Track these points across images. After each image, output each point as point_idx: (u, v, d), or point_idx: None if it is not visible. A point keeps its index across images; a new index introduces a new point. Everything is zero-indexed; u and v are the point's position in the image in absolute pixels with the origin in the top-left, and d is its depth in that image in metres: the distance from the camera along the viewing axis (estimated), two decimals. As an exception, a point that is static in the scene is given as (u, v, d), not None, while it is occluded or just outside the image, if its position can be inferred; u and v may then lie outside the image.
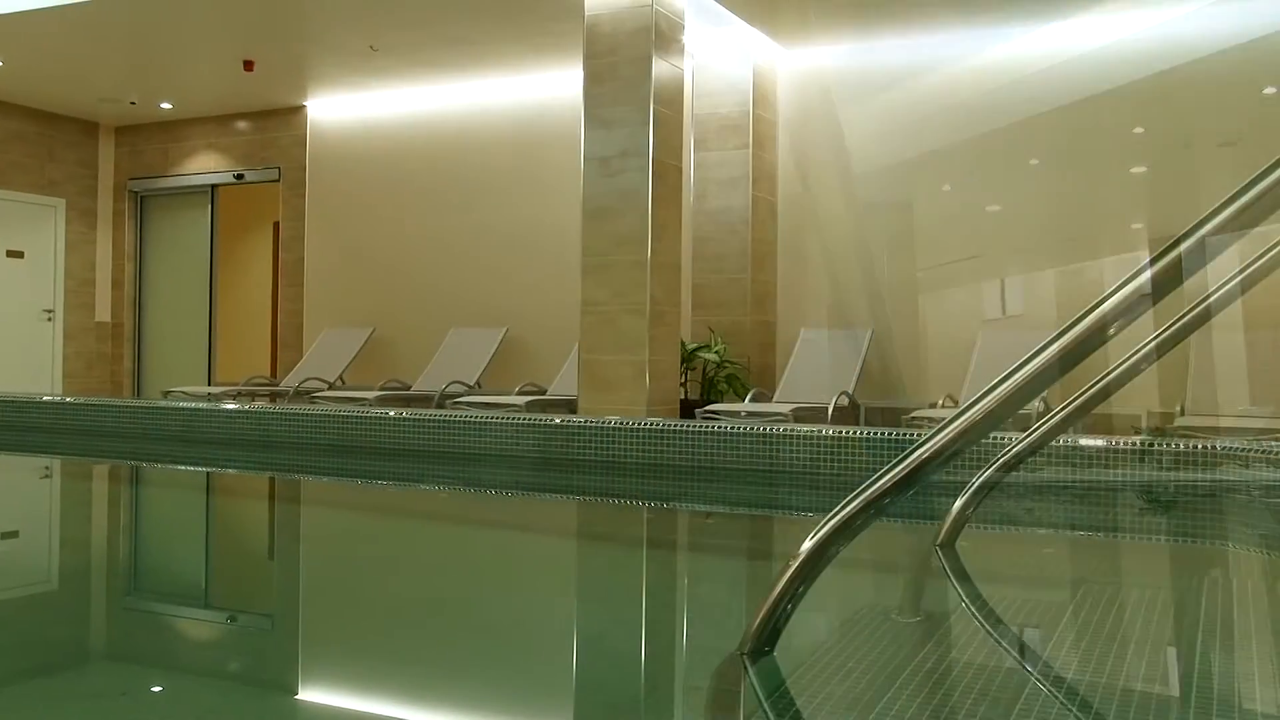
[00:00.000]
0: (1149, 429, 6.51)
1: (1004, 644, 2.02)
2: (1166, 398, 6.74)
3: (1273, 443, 3.51)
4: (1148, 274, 1.50)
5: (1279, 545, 3.10)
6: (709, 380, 7.62)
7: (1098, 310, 1.54)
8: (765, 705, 1.61)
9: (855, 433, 4.20)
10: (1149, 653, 1.87)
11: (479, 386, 8.68)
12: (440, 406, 8.10)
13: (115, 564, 2.95)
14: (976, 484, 2.59)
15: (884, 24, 7.52)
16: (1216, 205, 1.47)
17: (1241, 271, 2.46)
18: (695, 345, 7.62)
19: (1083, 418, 2.58)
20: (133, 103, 10.40)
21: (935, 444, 1.65)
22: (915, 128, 7.81)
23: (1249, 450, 3.49)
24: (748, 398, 7.21)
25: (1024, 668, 1.86)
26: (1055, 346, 1.56)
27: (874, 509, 1.65)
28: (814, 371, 7.56)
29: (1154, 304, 1.54)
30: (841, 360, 7.54)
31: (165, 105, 10.50)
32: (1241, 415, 6.15)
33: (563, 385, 8.07)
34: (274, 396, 9.43)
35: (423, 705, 1.70)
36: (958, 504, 2.61)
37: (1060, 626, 2.09)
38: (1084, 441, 3.79)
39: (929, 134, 7.76)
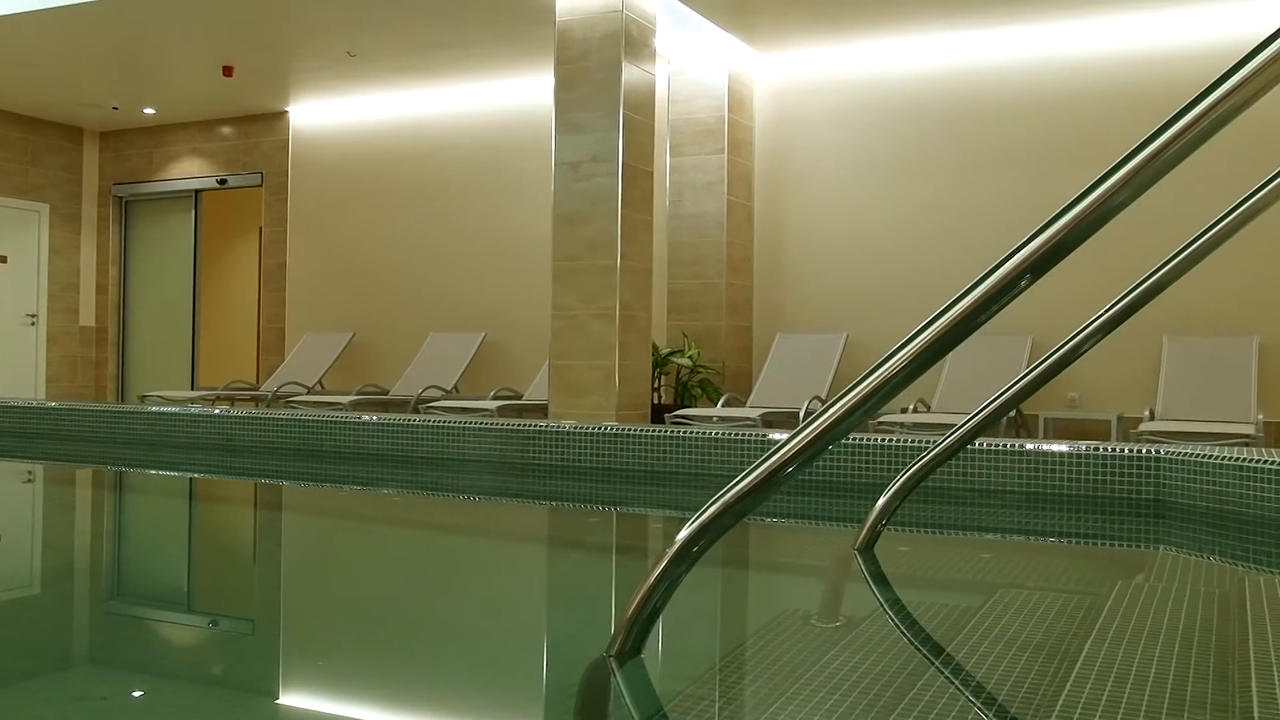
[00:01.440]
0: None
1: (913, 648, 1.99)
2: (1136, 402, 6.71)
3: (1227, 449, 3.48)
4: (1007, 265, 1.48)
5: (1212, 550, 3.07)
6: (683, 385, 7.59)
7: (961, 302, 1.52)
8: (631, 708, 1.58)
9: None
10: (1065, 657, 1.84)
11: (456, 391, 8.66)
12: (416, 411, 8.09)
13: (82, 568, 2.92)
14: (896, 486, 2.56)
15: (860, 28, 7.51)
16: (1080, 191, 1.44)
17: (1160, 269, 2.44)
18: (669, 350, 7.60)
19: (1002, 418, 2.55)
20: (115, 108, 10.41)
21: (806, 437, 1.62)
22: (892, 132, 7.79)
23: (1194, 455, 3.46)
24: (720, 402, 7.19)
25: (924, 672, 1.83)
26: (911, 346, 1.53)
27: (741, 508, 1.62)
28: (789, 376, 7.54)
29: (1023, 290, 1.52)
30: (816, 365, 7.52)
31: (149, 110, 10.51)
32: (1212, 421, 6.12)
33: (538, 390, 8.06)
34: (256, 401, 9.42)
35: (378, 709, 1.68)
36: (877, 506, 2.58)
37: (966, 631, 2.06)
38: (1010, 444, 3.76)
39: (906, 138, 7.74)
